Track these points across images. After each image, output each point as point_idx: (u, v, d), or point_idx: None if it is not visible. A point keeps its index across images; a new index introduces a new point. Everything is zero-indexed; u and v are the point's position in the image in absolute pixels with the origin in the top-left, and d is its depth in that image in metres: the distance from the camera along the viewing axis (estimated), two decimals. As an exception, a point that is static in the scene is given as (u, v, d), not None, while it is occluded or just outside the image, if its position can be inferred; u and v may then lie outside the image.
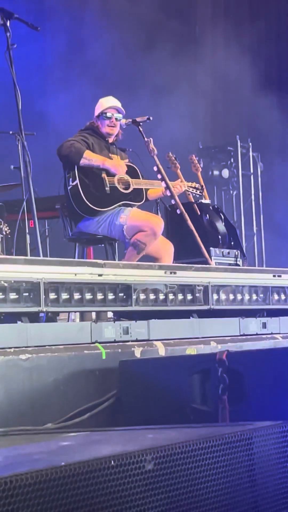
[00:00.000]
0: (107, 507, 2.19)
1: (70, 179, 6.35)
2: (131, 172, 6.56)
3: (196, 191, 7.20)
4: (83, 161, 6.28)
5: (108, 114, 6.57)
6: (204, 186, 7.40)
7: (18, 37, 5.84)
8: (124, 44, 11.62)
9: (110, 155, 6.54)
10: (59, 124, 10.44)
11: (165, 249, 6.50)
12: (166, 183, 6.54)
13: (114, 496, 2.21)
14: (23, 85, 5.77)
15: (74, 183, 6.30)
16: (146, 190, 6.64)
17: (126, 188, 6.47)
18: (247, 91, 12.02)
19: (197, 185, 7.22)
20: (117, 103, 6.62)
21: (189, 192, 7.23)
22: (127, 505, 2.24)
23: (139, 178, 6.59)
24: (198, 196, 7.41)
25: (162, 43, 11.66)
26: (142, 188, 6.57)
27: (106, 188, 6.36)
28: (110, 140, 6.63)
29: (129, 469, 2.26)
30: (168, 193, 6.58)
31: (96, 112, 6.61)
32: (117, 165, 6.38)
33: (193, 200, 7.70)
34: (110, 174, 6.40)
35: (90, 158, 6.30)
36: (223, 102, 12.63)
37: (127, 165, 6.60)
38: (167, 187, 6.55)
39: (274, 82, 12.27)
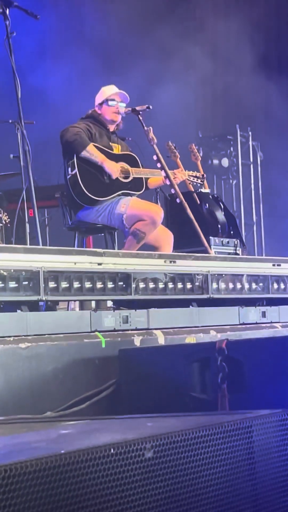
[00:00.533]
0: (107, 494, 2.19)
1: (69, 168, 6.34)
2: (131, 161, 6.55)
3: (197, 180, 7.20)
4: (84, 154, 6.27)
5: (113, 102, 6.56)
6: (204, 175, 7.39)
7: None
8: (122, 28, 11.60)
9: (110, 143, 6.53)
10: (59, 112, 10.44)
11: (165, 238, 6.50)
12: (165, 172, 6.53)
13: (114, 484, 2.21)
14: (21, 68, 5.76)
15: (73, 172, 6.29)
16: (146, 179, 6.63)
17: (126, 177, 6.46)
18: (247, 80, 11.99)
19: (197, 174, 7.21)
20: (121, 91, 6.61)
21: (190, 181, 7.22)
22: (126, 493, 2.24)
23: (139, 167, 6.58)
24: (199, 185, 7.40)
25: (161, 30, 11.63)
26: (142, 177, 6.56)
27: (105, 178, 6.36)
28: (111, 128, 6.61)
29: (128, 457, 2.26)
30: (168, 182, 6.57)
31: (99, 100, 6.60)
32: (115, 170, 6.35)
33: (192, 189, 7.69)
34: None
35: (91, 153, 6.29)
36: (223, 91, 12.60)
37: (128, 154, 6.59)
38: (167, 176, 6.54)
39: (275, 71, 12.24)
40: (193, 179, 7.16)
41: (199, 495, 2.47)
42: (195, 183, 7.29)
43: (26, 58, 10.17)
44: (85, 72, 11.37)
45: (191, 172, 7.16)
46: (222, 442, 2.57)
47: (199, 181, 7.22)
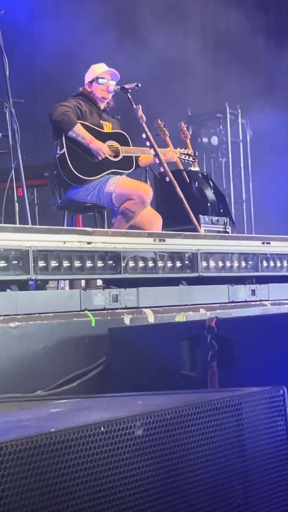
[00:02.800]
0: (97, 472, 2.20)
1: (58, 147, 6.32)
2: (121, 140, 6.53)
3: (188, 158, 7.17)
4: (71, 133, 6.25)
5: (103, 80, 6.54)
6: (196, 153, 7.38)
7: None
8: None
9: (101, 121, 6.51)
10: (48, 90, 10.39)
11: (154, 221, 6.48)
12: (155, 150, 6.51)
13: (104, 461, 2.23)
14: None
15: (62, 152, 6.27)
16: (137, 157, 6.62)
17: (116, 156, 6.45)
18: (236, 57, 11.96)
19: (189, 151, 7.19)
20: (111, 69, 6.59)
21: (182, 159, 7.20)
22: (116, 470, 2.25)
23: (129, 146, 6.56)
24: (191, 162, 7.38)
25: (149, 7, 11.59)
26: (132, 156, 6.54)
27: (94, 157, 6.34)
28: (102, 106, 6.59)
29: (118, 435, 2.27)
30: (157, 161, 6.56)
31: (89, 78, 6.58)
32: (102, 150, 6.32)
33: (182, 168, 7.68)
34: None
35: (79, 133, 6.27)
36: (213, 69, 12.56)
37: (118, 132, 6.57)
38: (156, 155, 6.53)
39: (263, 49, 12.21)
40: (185, 157, 7.14)
41: (189, 472, 2.48)
42: (186, 161, 7.27)
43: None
44: (75, 50, 11.33)
45: (182, 150, 7.15)
46: (211, 419, 2.58)
47: (190, 158, 7.20)
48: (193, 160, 7.31)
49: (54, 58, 12.17)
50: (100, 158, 6.32)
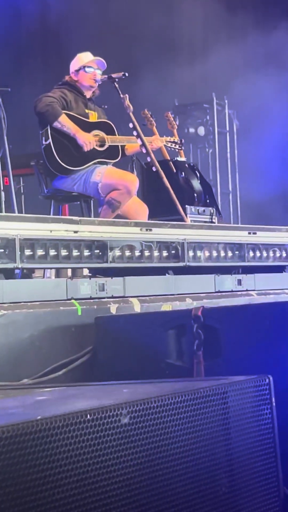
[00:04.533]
0: (83, 460, 2.20)
1: (43, 137, 6.31)
2: (107, 129, 6.52)
3: (175, 146, 7.16)
4: (56, 124, 6.23)
5: (90, 69, 6.53)
6: (183, 141, 7.37)
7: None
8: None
9: (86, 111, 6.49)
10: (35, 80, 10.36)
11: (140, 211, 6.47)
12: (141, 140, 6.51)
13: (90, 449, 2.23)
14: None
15: (47, 142, 6.26)
16: (123, 146, 6.60)
17: (102, 145, 6.44)
18: (223, 48, 11.95)
19: (175, 139, 7.17)
20: (98, 58, 6.57)
21: (168, 147, 7.18)
22: (102, 458, 2.26)
23: (115, 135, 6.55)
24: (177, 150, 7.37)
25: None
26: (118, 145, 6.53)
27: (79, 147, 6.32)
28: (88, 95, 6.57)
29: (104, 422, 2.28)
30: (144, 151, 6.55)
31: (76, 66, 6.56)
32: (87, 142, 6.31)
33: (168, 158, 7.68)
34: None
35: (63, 123, 6.25)
36: (200, 59, 12.54)
37: (103, 122, 6.56)
38: (143, 145, 6.52)
39: (251, 39, 12.20)
40: (171, 144, 7.13)
41: (175, 460, 2.49)
42: (173, 149, 7.26)
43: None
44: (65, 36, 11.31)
45: (168, 138, 7.14)
46: (197, 408, 2.59)
47: (177, 146, 7.19)
48: (180, 148, 7.30)
49: (42, 46, 12.14)
50: (86, 150, 6.30)
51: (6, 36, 10.81)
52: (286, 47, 11.74)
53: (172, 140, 7.13)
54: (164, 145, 7.06)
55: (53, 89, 6.50)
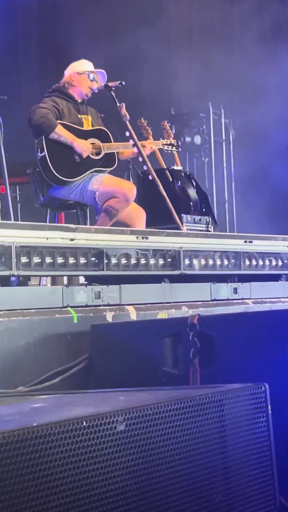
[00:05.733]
0: (79, 467, 2.20)
1: (39, 149, 6.32)
2: (102, 136, 6.52)
3: (171, 148, 7.16)
4: (52, 135, 6.24)
5: (92, 76, 6.54)
6: (179, 142, 7.37)
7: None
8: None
9: (79, 116, 6.49)
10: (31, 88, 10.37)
11: (138, 216, 6.49)
12: (138, 149, 6.51)
13: (86, 456, 2.23)
14: None
15: (43, 154, 6.26)
16: (118, 152, 6.61)
17: (98, 154, 6.44)
18: (221, 57, 11.97)
19: (172, 141, 7.17)
20: (101, 70, 6.59)
21: (165, 150, 7.18)
22: (98, 465, 2.26)
23: (111, 142, 6.55)
24: (174, 151, 7.37)
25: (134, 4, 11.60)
26: (114, 152, 6.53)
27: (76, 157, 6.32)
28: (79, 100, 6.57)
29: (100, 429, 2.27)
30: (141, 159, 6.56)
31: (79, 69, 6.54)
32: (85, 149, 6.31)
33: (165, 166, 7.69)
34: None
35: (60, 134, 6.25)
36: (197, 68, 12.56)
37: (98, 129, 6.56)
38: (139, 153, 6.53)
39: (248, 49, 12.22)
40: (167, 147, 7.13)
41: (171, 468, 2.49)
42: (170, 151, 7.25)
43: None
44: (63, 44, 11.32)
45: (164, 140, 7.14)
46: (193, 415, 2.59)
47: (174, 148, 7.19)
48: (176, 150, 7.29)
49: (40, 54, 12.17)
50: (84, 156, 6.30)
51: (3, 44, 10.82)
52: (285, 57, 11.77)
53: (167, 142, 7.13)
54: (161, 148, 7.05)
55: (44, 98, 6.49)
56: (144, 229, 6.29)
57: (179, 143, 7.37)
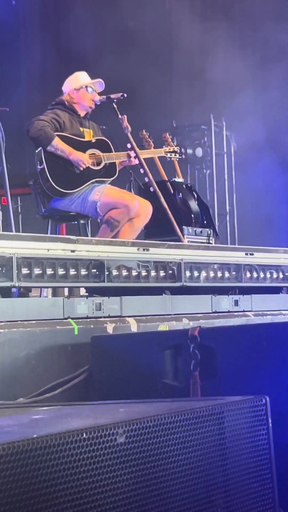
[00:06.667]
0: (79, 479, 2.20)
1: (38, 161, 6.33)
2: (103, 147, 6.52)
3: (175, 155, 7.17)
4: (49, 148, 6.24)
5: (91, 89, 6.55)
6: (183, 150, 7.38)
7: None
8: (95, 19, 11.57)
9: (81, 129, 6.50)
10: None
11: (143, 208, 6.47)
12: (139, 160, 6.52)
13: (86, 468, 2.22)
14: None
15: (42, 167, 6.28)
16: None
17: (99, 164, 6.44)
18: (222, 69, 12.00)
19: (175, 149, 7.18)
20: (99, 79, 6.59)
21: (168, 157, 7.18)
22: (98, 477, 2.25)
23: (111, 152, 6.55)
24: (177, 159, 7.38)
25: (138, 18, 11.63)
26: (114, 162, 6.53)
27: (75, 168, 6.32)
28: (82, 113, 6.59)
29: (100, 441, 2.27)
30: (142, 171, 6.57)
31: (75, 85, 6.56)
32: (82, 160, 6.31)
33: (166, 178, 7.70)
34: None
35: (57, 147, 6.25)
36: (198, 80, 12.59)
37: (99, 140, 6.56)
38: (141, 165, 6.54)
39: (250, 61, 12.25)
40: (170, 154, 7.14)
41: (171, 480, 2.48)
42: (173, 158, 7.25)
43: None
44: (63, 56, 11.36)
45: (167, 148, 7.15)
46: (194, 427, 2.58)
47: (177, 156, 7.19)
48: (180, 157, 7.30)
49: (41, 66, 12.19)
50: (81, 169, 6.30)
51: (6, 57, 10.86)
52: (286, 71, 11.80)
53: (170, 150, 7.13)
54: (163, 155, 7.06)
55: (46, 110, 6.51)
56: (145, 240, 6.29)
57: (182, 150, 7.37)
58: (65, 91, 6.61)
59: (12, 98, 9.83)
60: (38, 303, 4.23)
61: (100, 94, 6.61)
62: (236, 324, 4.91)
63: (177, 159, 7.40)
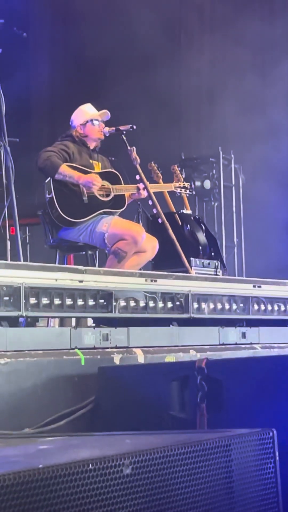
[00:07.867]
0: (84, 510, 2.18)
1: (47, 191, 6.35)
2: (112, 179, 6.54)
3: (185, 190, 7.19)
4: (57, 176, 6.26)
5: (97, 122, 6.58)
6: (193, 186, 7.41)
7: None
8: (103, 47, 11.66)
9: (91, 161, 6.53)
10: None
11: (150, 244, 6.49)
12: (148, 192, 6.54)
13: (92, 499, 2.21)
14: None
15: (50, 196, 6.30)
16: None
17: (107, 195, 6.46)
18: (231, 103, 12.06)
19: (185, 184, 7.21)
20: (104, 110, 6.63)
21: (178, 192, 7.21)
22: (104, 509, 2.23)
23: (121, 184, 6.57)
24: (187, 195, 7.40)
25: (144, 50, 11.70)
26: (123, 194, 6.55)
27: (84, 198, 6.34)
28: (92, 146, 6.62)
29: (107, 473, 2.26)
30: (150, 202, 6.59)
31: (81, 120, 6.59)
32: (93, 179, 6.32)
33: (174, 210, 7.72)
34: None
35: (65, 173, 6.27)
36: (207, 113, 12.65)
37: (108, 171, 6.58)
38: (149, 197, 6.55)
39: (258, 95, 12.30)
40: (180, 190, 7.16)
41: (177, 513, 2.46)
42: (182, 194, 7.28)
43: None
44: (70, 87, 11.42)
45: (177, 183, 7.17)
46: (200, 459, 2.57)
47: (187, 191, 7.22)
48: (190, 193, 7.32)
49: (50, 98, 12.27)
50: (94, 189, 6.29)
51: (16, 87, 10.92)
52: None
53: (180, 185, 7.16)
54: (173, 191, 7.09)
55: (56, 142, 6.55)
56: (153, 271, 6.28)
57: (192, 185, 7.40)
58: (72, 126, 6.65)
59: (22, 129, 9.88)
60: (45, 333, 4.23)
61: (108, 125, 6.64)
62: (243, 356, 4.89)
63: (187, 195, 7.43)
